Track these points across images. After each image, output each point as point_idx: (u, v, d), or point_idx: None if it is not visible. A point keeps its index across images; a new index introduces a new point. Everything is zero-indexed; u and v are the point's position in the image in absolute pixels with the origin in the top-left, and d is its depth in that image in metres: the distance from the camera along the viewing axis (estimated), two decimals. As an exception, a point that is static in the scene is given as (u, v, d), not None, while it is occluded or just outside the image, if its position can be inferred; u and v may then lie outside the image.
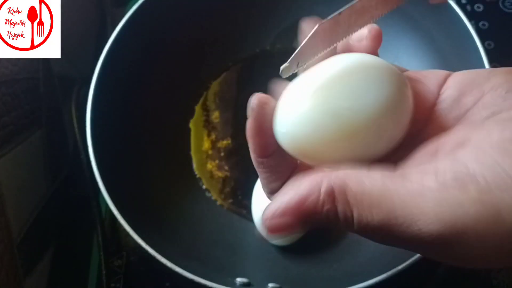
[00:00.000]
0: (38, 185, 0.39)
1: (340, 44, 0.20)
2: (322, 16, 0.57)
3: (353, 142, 0.18)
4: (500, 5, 0.51)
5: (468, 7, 0.51)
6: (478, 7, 0.51)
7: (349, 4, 0.19)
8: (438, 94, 0.19)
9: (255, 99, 0.20)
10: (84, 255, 0.44)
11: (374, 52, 0.20)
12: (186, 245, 0.39)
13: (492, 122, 0.16)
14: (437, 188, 0.15)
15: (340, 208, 0.16)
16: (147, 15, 0.42)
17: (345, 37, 0.19)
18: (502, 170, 0.14)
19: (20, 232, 0.35)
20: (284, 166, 0.20)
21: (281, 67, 0.19)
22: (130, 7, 0.41)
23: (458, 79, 0.19)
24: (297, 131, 0.18)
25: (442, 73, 0.20)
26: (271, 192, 0.20)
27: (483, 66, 0.36)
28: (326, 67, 0.19)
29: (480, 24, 0.50)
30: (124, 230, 0.34)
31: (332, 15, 0.18)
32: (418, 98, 0.19)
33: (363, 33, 0.20)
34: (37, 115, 0.40)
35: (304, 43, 0.18)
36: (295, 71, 0.19)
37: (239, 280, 0.36)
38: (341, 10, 0.18)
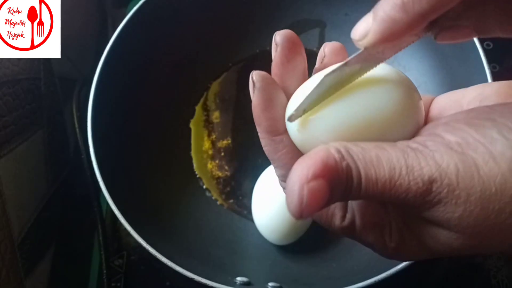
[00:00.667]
0: (39, 185, 0.39)
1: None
2: (322, 16, 0.56)
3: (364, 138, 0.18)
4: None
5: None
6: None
7: (356, 54, 0.19)
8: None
9: (256, 74, 0.19)
10: (85, 255, 0.44)
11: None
12: (186, 245, 0.40)
13: (460, 112, 0.19)
14: (422, 149, 0.16)
15: (351, 165, 0.16)
16: (147, 15, 0.42)
17: (351, 83, 0.19)
18: (470, 136, 0.16)
19: (21, 232, 0.35)
20: None
21: (288, 115, 0.19)
22: (131, 8, 0.41)
23: (439, 100, 0.21)
24: (312, 128, 0.19)
25: (426, 98, 0.21)
26: None
27: (482, 66, 0.36)
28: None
29: (479, 24, 0.50)
30: (125, 229, 0.34)
31: (338, 65, 0.18)
32: None
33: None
34: (38, 115, 0.40)
35: (310, 93, 0.18)
36: (301, 116, 0.19)
37: (239, 279, 0.36)
38: (347, 59, 0.18)
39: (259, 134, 0.20)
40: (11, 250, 0.33)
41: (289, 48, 0.19)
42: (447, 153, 0.16)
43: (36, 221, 0.37)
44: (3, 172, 0.34)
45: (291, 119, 0.19)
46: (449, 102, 0.21)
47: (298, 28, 0.49)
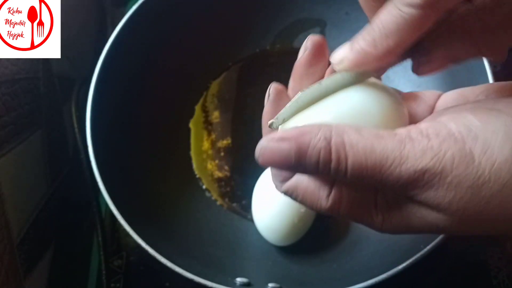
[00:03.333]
0: (38, 185, 0.39)
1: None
2: (323, 15, 0.56)
3: None
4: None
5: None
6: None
7: (331, 75, 0.21)
8: (432, 110, 0.23)
9: (273, 87, 0.22)
10: (84, 255, 0.44)
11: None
12: (186, 245, 0.39)
13: (467, 103, 0.20)
14: (421, 139, 0.17)
15: (334, 148, 0.18)
16: (147, 15, 0.42)
17: (324, 98, 0.21)
18: (473, 125, 0.17)
19: (20, 232, 0.35)
20: None
21: (269, 122, 0.22)
22: (130, 7, 0.41)
23: (446, 96, 0.23)
24: None
25: (433, 94, 0.23)
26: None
27: (483, 65, 0.36)
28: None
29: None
30: (124, 230, 0.34)
31: (315, 84, 0.21)
32: (414, 116, 0.22)
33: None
34: (37, 115, 0.40)
35: (289, 105, 0.21)
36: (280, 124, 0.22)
37: (239, 280, 0.36)
38: (322, 80, 0.21)
39: (263, 137, 0.23)
40: (10, 251, 0.33)
41: (315, 55, 0.22)
42: (446, 141, 0.17)
43: (35, 222, 0.37)
44: (2, 172, 0.34)
45: (271, 126, 0.22)
46: (456, 97, 0.22)
47: (298, 27, 0.49)
